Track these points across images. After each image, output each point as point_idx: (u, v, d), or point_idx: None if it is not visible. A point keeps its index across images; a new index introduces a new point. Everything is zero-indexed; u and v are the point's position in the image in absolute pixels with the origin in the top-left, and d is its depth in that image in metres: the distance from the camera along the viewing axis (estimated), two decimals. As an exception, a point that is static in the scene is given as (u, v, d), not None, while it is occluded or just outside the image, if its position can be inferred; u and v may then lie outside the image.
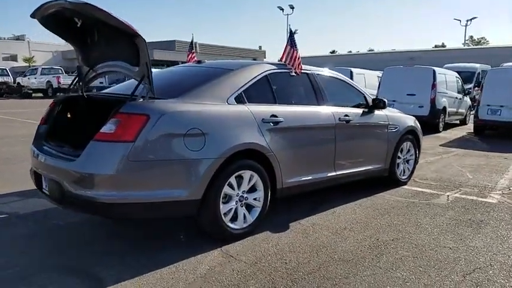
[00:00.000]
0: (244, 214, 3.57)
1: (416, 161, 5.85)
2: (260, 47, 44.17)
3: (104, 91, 4.22)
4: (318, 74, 4.50)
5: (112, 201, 2.95)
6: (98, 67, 3.79)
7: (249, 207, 3.63)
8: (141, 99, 3.10)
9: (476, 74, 19.57)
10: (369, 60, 33.62)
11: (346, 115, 4.51)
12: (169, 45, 39.60)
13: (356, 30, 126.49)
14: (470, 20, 37.07)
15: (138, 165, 2.96)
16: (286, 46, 4.22)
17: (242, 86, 3.66)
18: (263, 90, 3.87)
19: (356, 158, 4.73)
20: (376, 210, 4.45)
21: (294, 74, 4.20)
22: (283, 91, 4.06)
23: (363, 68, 16.58)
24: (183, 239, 3.57)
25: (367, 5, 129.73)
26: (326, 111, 4.32)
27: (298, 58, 4.21)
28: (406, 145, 5.55)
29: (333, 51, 74.48)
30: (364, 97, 5.01)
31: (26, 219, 4.02)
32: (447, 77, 12.57)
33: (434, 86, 11.53)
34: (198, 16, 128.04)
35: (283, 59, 4.22)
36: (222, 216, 3.38)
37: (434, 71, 11.62)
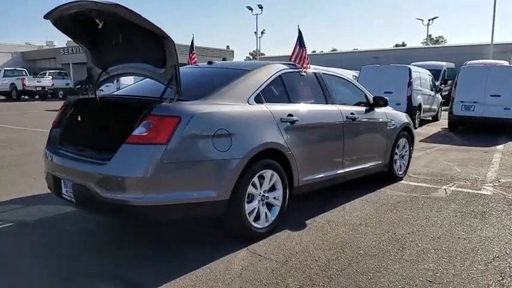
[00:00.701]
0: (266, 213, 3.58)
1: (410, 157, 6.05)
2: (228, 47, 44.06)
3: (115, 93, 4.09)
4: (323, 73, 4.57)
5: (144, 204, 2.90)
6: (111, 69, 3.70)
7: (269, 206, 3.65)
8: (168, 102, 3.05)
9: (442, 72, 20.37)
10: (337, 60, 34.20)
11: (352, 113, 4.61)
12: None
13: (320, 30, 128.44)
14: (432, 19, 38.51)
15: (170, 167, 2.92)
16: (295, 46, 4.26)
17: (260, 86, 3.67)
18: (278, 90, 3.90)
19: (361, 155, 4.85)
20: (384, 206, 4.57)
21: (303, 73, 4.25)
22: (295, 90, 4.11)
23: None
24: (204, 240, 3.54)
25: (330, 5, 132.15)
26: (335, 109, 4.40)
27: (307, 58, 4.26)
28: (402, 141, 5.73)
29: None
30: (365, 95, 5.13)
31: (34, 226, 3.86)
32: (421, 75, 13.04)
33: (410, 83, 11.93)
34: (167, 15, 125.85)
35: (293, 59, 4.26)
36: (247, 215, 3.38)
37: (410, 69, 12.03)
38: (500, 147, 8.94)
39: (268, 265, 3.07)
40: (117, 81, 16.58)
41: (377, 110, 5.16)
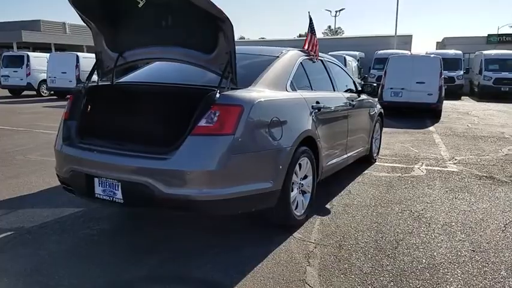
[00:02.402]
0: (302, 201, 3.60)
1: (380, 140, 6.48)
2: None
3: (130, 80, 3.65)
4: (327, 60, 4.68)
5: (210, 198, 2.75)
6: (130, 53, 3.35)
7: (303, 194, 3.67)
8: (227, 90, 2.87)
9: (357, 60, 21.89)
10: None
11: (352, 99, 4.80)
12: (33, 25, 34.83)
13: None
14: (339, 11, 40.89)
15: (237, 158, 2.80)
16: (307, 33, 4.28)
17: (291, 73, 3.65)
18: (302, 76, 3.90)
19: (357, 140, 5.08)
20: (381, 187, 4.86)
21: (315, 60, 4.30)
22: (313, 77, 4.14)
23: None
24: (244, 232, 3.44)
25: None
26: (341, 96, 4.55)
27: (317, 45, 4.31)
28: (377, 126, 6.12)
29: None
30: (353, 82, 5.36)
31: (42, 233, 3.37)
32: (351, 63, 13.90)
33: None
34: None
35: (306, 46, 4.27)
36: (292, 204, 3.36)
37: (345, 57, 12.74)
38: (432, 128, 9.98)
39: (327, 251, 3.11)
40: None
41: (363, 96, 5.43)
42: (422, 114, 12.07)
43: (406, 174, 5.47)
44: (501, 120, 11.80)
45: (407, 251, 3.12)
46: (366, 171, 5.56)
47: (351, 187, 4.81)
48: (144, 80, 3.59)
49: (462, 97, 20.48)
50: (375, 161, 6.15)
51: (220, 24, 2.77)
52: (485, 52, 21.16)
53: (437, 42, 29.92)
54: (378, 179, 5.19)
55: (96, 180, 2.93)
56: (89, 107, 3.29)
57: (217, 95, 2.77)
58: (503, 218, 3.86)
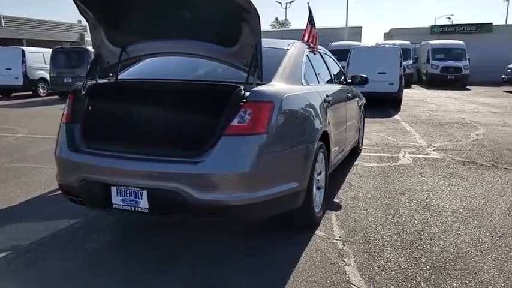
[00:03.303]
0: (319, 197, 3.51)
1: (363, 131, 6.56)
2: (80, 21, 39.17)
3: (133, 77, 3.32)
4: (324, 52, 4.60)
5: (245, 202, 2.58)
6: (133, 48, 3.06)
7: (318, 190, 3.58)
8: (254, 86, 2.69)
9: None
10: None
11: (347, 91, 4.77)
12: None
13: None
14: (290, 2, 41.16)
15: (269, 158, 2.64)
16: (307, 25, 4.17)
17: (302, 66, 3.53)
18: (310, 69, 3.79)
19: (352, 132, 5.08)
20: (377, 177, 4.90)
21: (315, 52, 4.21)
22: (317, 70, 4.05)
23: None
24: (263, 234, 3.30)
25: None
26: (341, 88, 4.50)
27: (317, 36, 4.22)
28: (362, 117, 6.17)
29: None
30: (344, 73, 5.34)
31: (44, 251, 3.01)
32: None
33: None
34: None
35: (306, 38, 4.17)
36: (313, 202, 3.27)
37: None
38: (397, 117, 10.31)
39: (356, 248, 3.05)
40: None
41: (352, 87, 5.42)
42: (384, 103, 12.43)
43: (394, 164, 5.56)
44: (456, 107, 12.45)
45: (433, 242, 3.13)
46: (356, 163, 5.59)
47: (349, 179, 4.80)
48: (151, 76, 3.28)
49: (412, 85, 21.43)
50: (361, 152, 6.21)
51: (245, 15, 2.58)
52: (431, 42, 22.27)
53: (385, 33, 31.05)
54: (370, 170, 5.23)
55: (113, 189, 2.65)
56: (93, 107, 2.96)
57: (248, 92, 2.59)
58: (503, 202, 4.01)
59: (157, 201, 2.57)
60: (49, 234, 3.30)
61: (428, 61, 21.35)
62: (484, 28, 25.79)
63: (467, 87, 20.33)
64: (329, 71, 4.48)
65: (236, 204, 2.56)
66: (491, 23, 26.04)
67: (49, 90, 15.70)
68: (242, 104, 2.55)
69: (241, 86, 2.63)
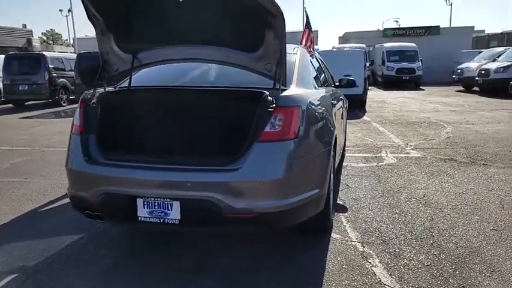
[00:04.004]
0: (331, 200, 3.54)
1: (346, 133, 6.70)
2: (25, 25, 37.49)
3: (144, 85, 3.16)
4: (318, 56, 4.66)
5: (279, 209, 2.55)
6: (146, 54, 2.94)
7: (328, 193, 3.62)
8: (280, 91, 2.67)
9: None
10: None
11: (339, 94, 4.86)
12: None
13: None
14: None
15: (300, 164, 2.63)
16: (304, 29, 4.20)
17: (312, 70, 3.55)
18: (314, 73, 3.82)
19: (344, 134, 5.17)
20: (369, 178, 5.02)
21: (313, 56, 4.25)
22: (318, 73, 4.08)
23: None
24: (276, 239, 3.28)
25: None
26: (337, 90, 4.58)
27: (313, 41, 4.27)
28: (346, 119, 6.29)
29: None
30: (332, 76, 5.43)
31: (55, 270, 2.81)
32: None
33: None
34: None
35: (303, 42, 4.20)
36: (330, 206, 3.30)
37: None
38: (366, 118, 10.62)
39: (376, 249, 3.10)
40: None
41: (339, 90, 5.52)
42: (350, 105, 12.75)
43: (381, 163, 5.72)
44: (417, 107, 13.03)
45: (445, 238, 3.25)
46: (345, 164, 5.69)
47: (344, 180, 4.88)
48: (163, 83, 3.16)
49: (369, 87, 22.18)
50: (345, 153, 6.33)
51: (270, 19, 2.55)
52: (385, 45, 23.18)
53: (340, 37, 31.96)
54: (361, 170, 5.35)
55: (139, 201, 2.52)
56: (109, 117, 2.80)
57: (277, 97, 2.56)
58: (494, 196, 4.24)
59: (190, 211, 2.48)
60: (55, 252, 3.09)
61: (383, 63, 22.21)
62: (432, 31, 27.23)
63: (421, 87, 21.36)
64: (325, 75, 4.54)
65: (272, 211, 2.53)
66: (439, 26, 27.55)
67: (2, 99, 14.73)
68: (271, 109, 2.53)
69: (266, 92, 2.60)
